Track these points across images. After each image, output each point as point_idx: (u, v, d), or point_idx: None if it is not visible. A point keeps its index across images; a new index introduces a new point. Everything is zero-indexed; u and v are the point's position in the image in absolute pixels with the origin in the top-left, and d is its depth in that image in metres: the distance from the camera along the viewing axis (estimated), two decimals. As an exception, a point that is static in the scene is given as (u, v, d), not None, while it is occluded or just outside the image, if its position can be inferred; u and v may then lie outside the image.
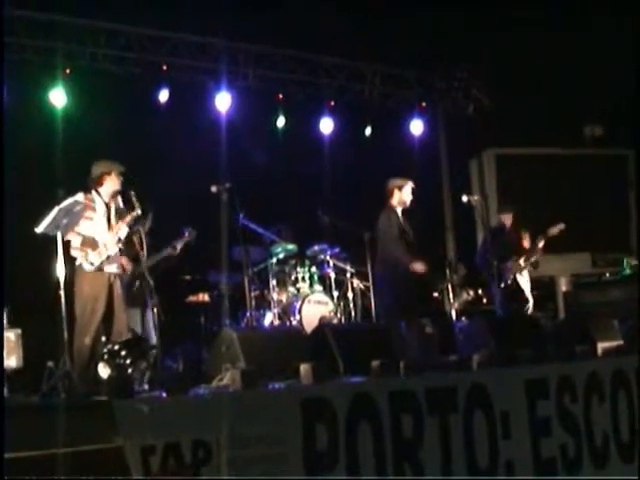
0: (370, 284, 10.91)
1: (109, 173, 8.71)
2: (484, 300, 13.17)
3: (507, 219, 11.83)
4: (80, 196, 8.38)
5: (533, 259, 11.61)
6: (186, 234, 10.06)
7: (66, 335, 7.43)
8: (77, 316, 8.31)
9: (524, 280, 11.62)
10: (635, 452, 7.29)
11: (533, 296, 11.75)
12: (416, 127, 14.66)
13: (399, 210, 9.95)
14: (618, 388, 7.37)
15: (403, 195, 9.98)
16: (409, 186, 10.01)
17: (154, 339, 8.64)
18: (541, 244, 11.59)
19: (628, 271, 14.25)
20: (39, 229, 7.65)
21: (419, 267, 9.57)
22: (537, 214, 12.91)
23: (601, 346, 8.14)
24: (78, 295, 8.37)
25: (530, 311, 11.48)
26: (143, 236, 8.53)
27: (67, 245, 8.25)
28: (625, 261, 14.49)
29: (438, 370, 7.19)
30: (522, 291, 11.56)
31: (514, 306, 11.36)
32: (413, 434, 6.04)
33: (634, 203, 15.56)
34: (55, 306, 7.51)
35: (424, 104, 14.79)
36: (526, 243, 11.71)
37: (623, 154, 15.69)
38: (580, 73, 14.20)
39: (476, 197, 10.18)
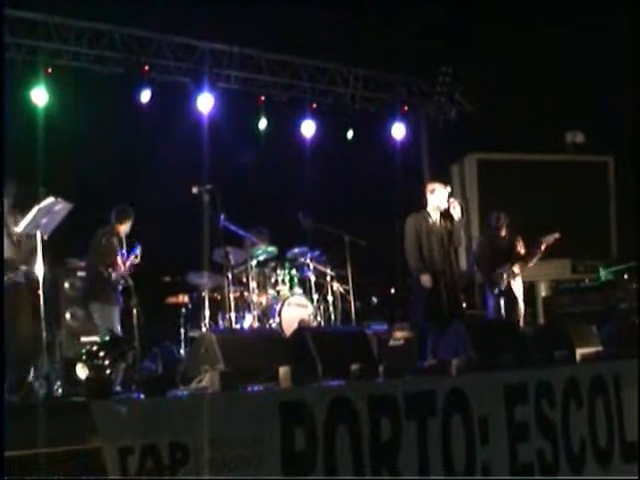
0: (350, 287, 10.92)
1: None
2: (464, 305, 13.15)
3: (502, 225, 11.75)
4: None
5: (530, 264, 11.58)
6: None
7: (45, 335, 7.39)
8: None
9: (517, 286, 11.56)
10: (612, 458, 7.33)
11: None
12: (398, 131, 14.65)
13: (434, 214, 9.77)
14: (596, 394, 7.39)
15: (435, 199, 9.81)
16: (443, 190, 9.83)
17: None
18: (538, 252, 11.53)
19: (603, 279, 14.32)
20: (19, 228, 7.63)
21: (424, 281, 9.49)
22: (518, 219, 12.91)
23: (580, 352, 8.17)
24: None
25: (521, 317, 11.43)
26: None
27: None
28: (600, 271, 14.56)
29: (417, 375, 7.21)
30: (516, 297, 11.49)
31: (509, 312, 11.33)
32: (391, 438, 6.05)
33: (614, 210, 15.64)
34: (34, 306, 7.47)
35: (406, 108, 14.80)
36: (520, 249, 11.66)
37: (604, 161, 15.77)
38: (563, 80, 14.26)
39: (457, 202, 10.13)
